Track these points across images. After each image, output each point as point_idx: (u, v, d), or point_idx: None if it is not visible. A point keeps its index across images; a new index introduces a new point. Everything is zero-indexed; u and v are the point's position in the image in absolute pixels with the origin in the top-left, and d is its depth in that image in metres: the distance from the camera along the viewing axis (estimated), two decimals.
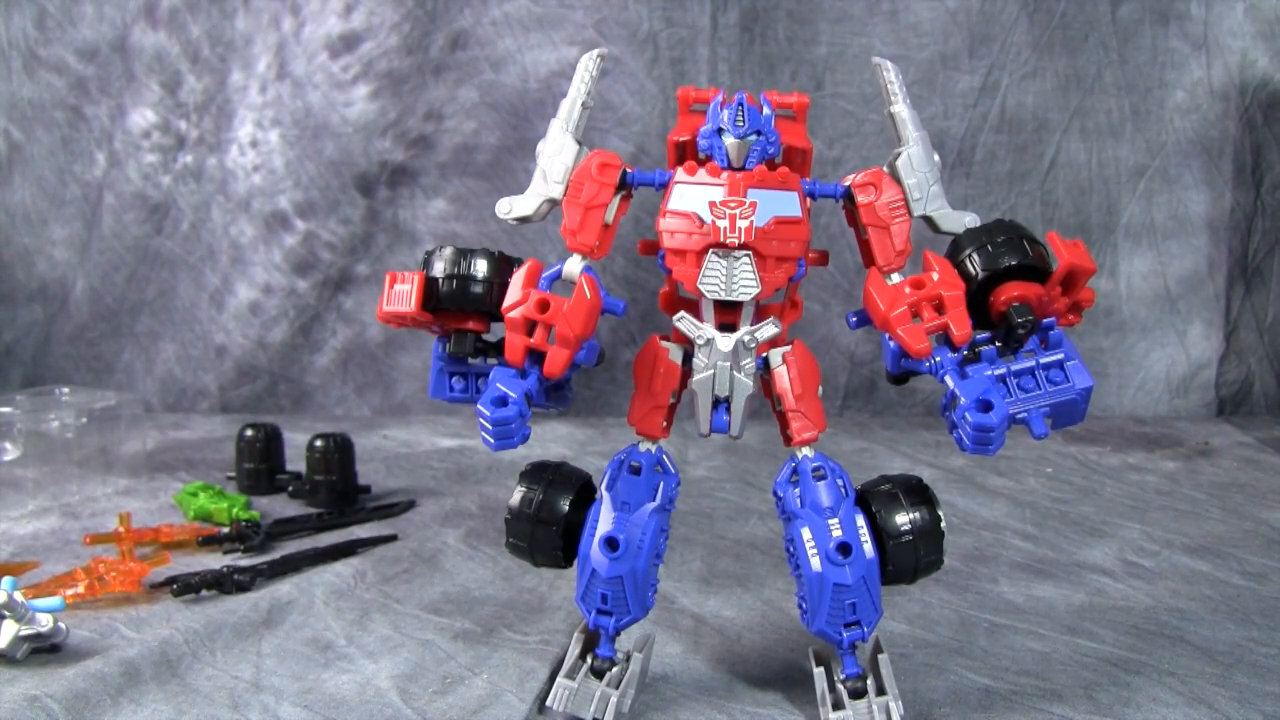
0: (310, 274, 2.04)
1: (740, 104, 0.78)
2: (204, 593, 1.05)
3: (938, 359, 0.78)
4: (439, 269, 0.82)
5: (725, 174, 0.78)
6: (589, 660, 0.81)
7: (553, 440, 1.75)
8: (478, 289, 0.81)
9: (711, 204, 0.77)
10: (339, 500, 1.37)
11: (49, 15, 2.03)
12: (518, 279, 0.79)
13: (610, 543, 0.79)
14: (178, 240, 2.07)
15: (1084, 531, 1.28)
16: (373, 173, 2.00)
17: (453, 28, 1.96)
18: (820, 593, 0.78)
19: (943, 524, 0.82)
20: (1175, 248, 1.99)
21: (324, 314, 2.05)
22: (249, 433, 1.46)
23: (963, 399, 0.75)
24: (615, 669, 0.81)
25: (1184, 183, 1.98)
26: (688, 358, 0.81)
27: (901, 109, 0.83)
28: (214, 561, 1.15)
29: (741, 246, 0.76)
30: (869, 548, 0.79)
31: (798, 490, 0.81)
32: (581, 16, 1.94)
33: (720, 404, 0.80)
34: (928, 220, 0.82)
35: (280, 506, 1.38)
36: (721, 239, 0.76)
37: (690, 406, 0.82)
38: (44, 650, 0.91)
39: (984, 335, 0.80)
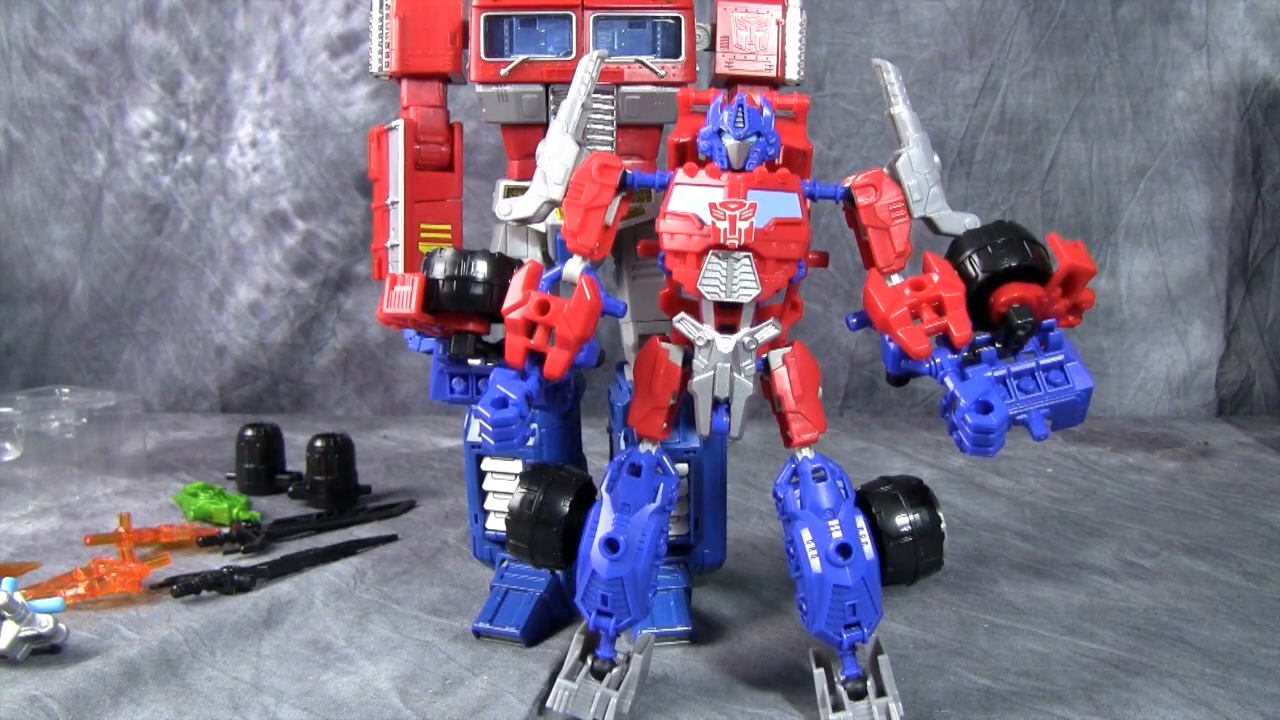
0: (310, 274, 2.04)
1: (740, 105, 0.78)
2: (204, 593, 1.05)
3: (938, 360, 0.78)
4: (439, 270, 0.82)
5: (725, 175, 0.78)
6: (589, 661, 0.81)
7: None
8: (478, 290, 0.81)
9: (711, 205, 0.77)
10: (339, 500, 1.37)
11: (49, 15, 2.03)
12: (518, 280, 0.79)
13: (610, 544, 0.79)
14: (178, 240, 2.07)
15: (1084, 532, 1.28)
16: None
17: None
18: (820, 594, 0.78)
19: (943, 525, 0.82)
20: (1175, 248, 1.99)
21: (324, 314, 2.05)
22: (249, 433, 1.46)
23: (963, 400, 0.75)
24: (615, 670, 0.81)
25: (1184, 183, 1.98)
26: (688, 359, 0.81)
27: (901, 110, 0.83)
28: (214, 562, 1.15)
29: (741, 248, 0.76)
30: (869, 549, 0.79)
31: (798, 491, 0.81)
32: None
33: (720, 405, 0.80)
34: (928, 221, 0.82)
35: (280, 507, 1.38)
36: (721, 240, 0.76)
37: (690, 407, 0.82)
38: (44, 651, 0.91)
39: (984, 337, 0.80)
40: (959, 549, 1.20)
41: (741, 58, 0.96)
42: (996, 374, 0.79)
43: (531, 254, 0.98)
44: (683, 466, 0.98)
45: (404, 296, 0.81)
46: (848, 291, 1.95)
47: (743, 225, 0.76)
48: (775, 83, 0.97)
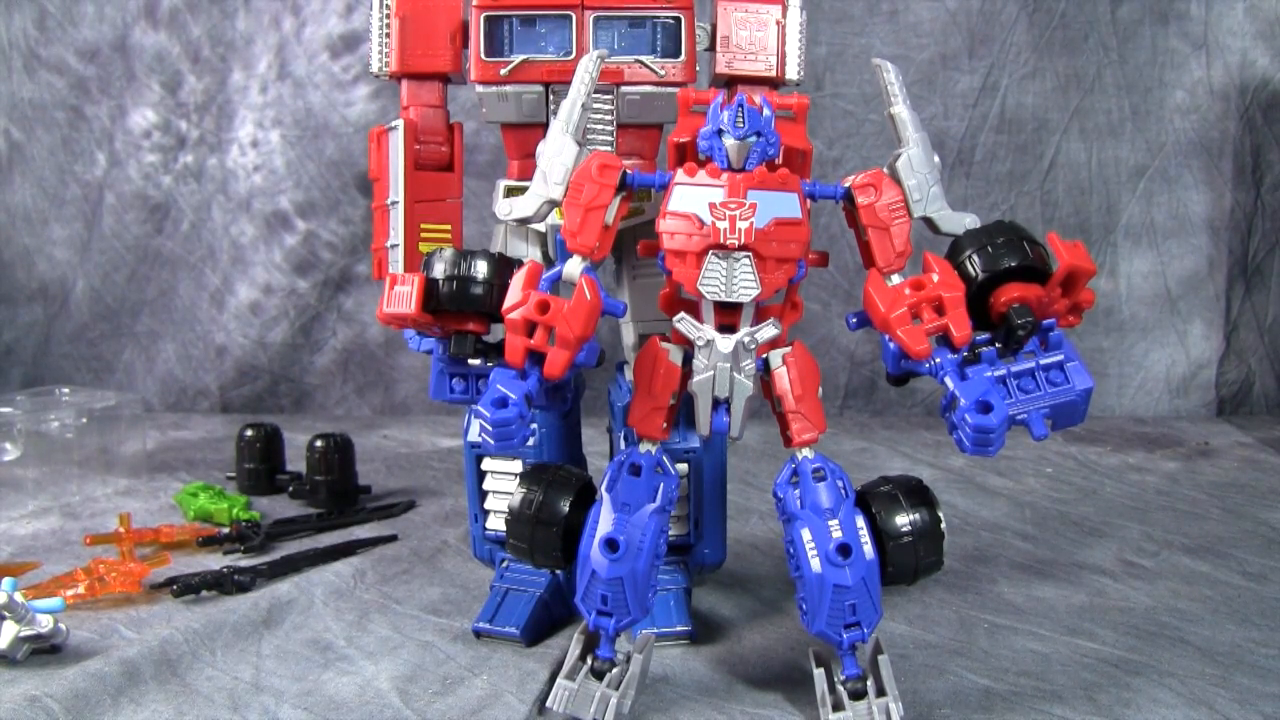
0: (310, 274, 2.04)
1: (740, 105, 0.78)
2: (204, 593, 1.05)
3: (938, 360, 0.78)
4: (439, 270, 0.82)
5: (725, 175, 0.78)
6: (589, 661, 0.81)
7: None
8: (478, 290, 0.81)
9: (711, 205, 0.77)
10: (339, 500, 1.37)
11: (49, 15, 2.03)
12: (518, 280, 0.79)
13: (610, 544, 0.79)
14: (178, 240, 2.07)
15: (1084, 531, 1.28)
16: None
17: None
18: (820, 594, 0.78)
19: (943, 525, 0.82)
20: (1175, 248, 1.99)
21: (324, 314, 2.05)
22: (249, 433, 1.46)
23: (963, 400, 0.75)
24: (615, 670, 0.81)
25: (1184, 183, 1.98)
26: (688, 359, 0.81)
27: (901, 110, 0.83)
28: (214, 562, 1.15)
29: (741, 248, 0.76)
30: (869, 549, 0.79)
31: (798, 491, 0.81)
32: None
33: (720, 405, 0.80)
34: (928, 221, 0.82)
35: (280, 506, 1.38)
36: (721, 240, 0.76)
37: (690, 407, 0.82)
38: (44, 651, 0.91)
39: (984, 336, 0.80)
40: (959, 549, 1.20)
41: (741, 58, 0.96)
42: (996, 374, 0.79)
43: (531, 254, 0.98)
44: (683, 466, 0.98)
45: (404, 296, 0.81)
46: (848, 291, 1.95)
47: (743, 225, 0.76)
48: (775, 83, 0.97)
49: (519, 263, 0.82)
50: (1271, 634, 0.98)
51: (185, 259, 2.07)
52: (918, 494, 0.83)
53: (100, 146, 2.06)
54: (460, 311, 0.82)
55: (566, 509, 0.83)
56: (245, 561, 1.15)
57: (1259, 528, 1.30)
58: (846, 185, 0.82)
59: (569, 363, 0.77)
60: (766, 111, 0.79)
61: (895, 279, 0.80)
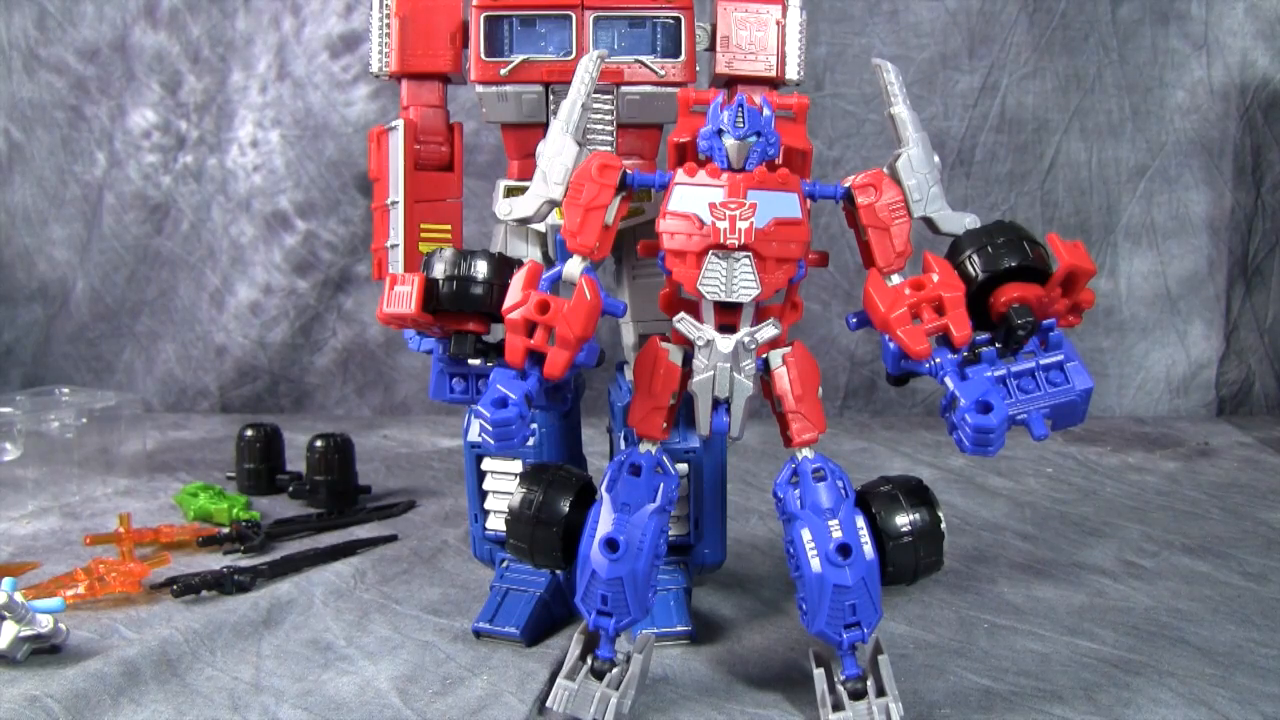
0: (310, 274, 2.04)
1: (740, 105, 0.78)
2: (204, 593, 1.05)
3: (938, 360, 0.78)
4: (439, 270, 0.82)
5: (725, 175, 0.78)
6: (589, 661, 0.81)
7: None
8: (478, 290, 0.81)
9: (711, 205, 0.77)
10: (339, 500, 1.37)
11: (49, 15, 2.03)
12: (518, 280, 0.79)
13: (610, 544, 0.79)
14: (178, 240, 2.07)
15: (1084, 532, 1.28)
16: None
17: None
18: (820, 594, 0.78)
19: (943, 525, 0.82)
20: (1175, 248, 1.99)
21: (324, 314, 2.05)
22: (249, 433, 1.46)
23: (962, 400, 0.75)
24: (615, 670, 0.81)
25: (1184, 183, 1.98)
26: (688, 359, 0.81)
27: (901, 110, 0.83)
28: (214, 562, 1.15)
29: (741, 248, 0.76)
30: (869, 549, 0.79)
31: (797, 491, 0.81)
32: None
33: (720, 405, 0.80)
34: (928, 221, 0.82)
35: (280, 506, 1.38)
36: (721, 240, 0.76)
37: (690, 407, 0.82)
38: (44, 651, 0.91)
39: (984, 336, 0.80)
40: (959, 549, 1.20)
41: (741, 58, 0.96)
42: (996, 374, 0.79)
43: (531, 254, 0.98)
44: (683, 466, 0.98)
45: (404, 296, 0.81)
46: (848, 291, 1.95)
47: (743, 225, 0.76)
48: (775, 83, 0.97)
49: (519, 263, 0.82)
50: (1271, 634, 0.98)
51: (185, 259, 2.08)
52: (918, 494, 0.83)
53: (100, 146, 2.06)
54: (460, 311, 0.82)
55: (566, 509, 0.83)
56: (245, 561, 1.15)
57: (1259, 528, 1.30)
58: (846, 185, 0.82)
59: (569, 363, 0.77)
60: (766, 111, 0.79)
61: (895, 279, 0.80)
